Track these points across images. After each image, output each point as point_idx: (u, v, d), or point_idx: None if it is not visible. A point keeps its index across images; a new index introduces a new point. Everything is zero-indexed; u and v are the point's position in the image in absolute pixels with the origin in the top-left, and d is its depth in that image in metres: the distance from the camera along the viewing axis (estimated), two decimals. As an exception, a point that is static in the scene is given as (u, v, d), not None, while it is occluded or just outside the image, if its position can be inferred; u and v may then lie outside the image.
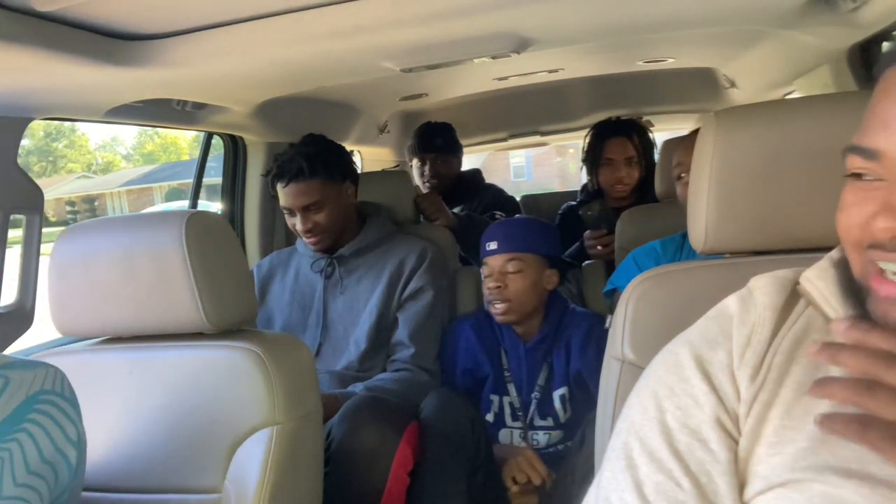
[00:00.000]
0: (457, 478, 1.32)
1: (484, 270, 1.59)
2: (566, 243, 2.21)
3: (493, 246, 1.55)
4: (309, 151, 1.58)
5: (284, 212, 1.64)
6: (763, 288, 0.61)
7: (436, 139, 2.42)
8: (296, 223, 1.62)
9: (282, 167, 1.59)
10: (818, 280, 0.60)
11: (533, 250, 1.56)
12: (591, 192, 2.31)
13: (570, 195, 2.85)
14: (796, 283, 0.62)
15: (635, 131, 2.19)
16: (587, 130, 2.30)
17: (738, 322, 0.60)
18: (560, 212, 2.43)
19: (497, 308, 1.56)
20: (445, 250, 1.83)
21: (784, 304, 0.60)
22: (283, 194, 1.60)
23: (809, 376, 0.53)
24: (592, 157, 2.23)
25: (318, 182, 1.58)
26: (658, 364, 0.62)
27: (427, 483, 1.31)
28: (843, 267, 0.58)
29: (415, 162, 2.47)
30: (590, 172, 2.28)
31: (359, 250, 1.66)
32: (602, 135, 2.20)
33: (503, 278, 1.55)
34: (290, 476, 0.98)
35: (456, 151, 2.49)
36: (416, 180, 2.47)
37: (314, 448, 1.07)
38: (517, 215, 1.60)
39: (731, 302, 0.63)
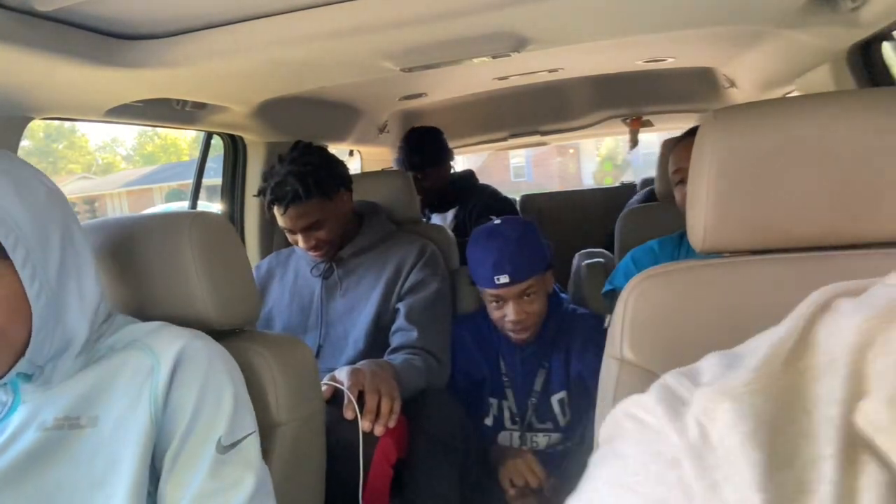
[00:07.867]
0: (447, 477, 1.31)
1: (493, 301, 1.51)
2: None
3: (503, 279, 1.44)
4: (300, 171, 1.51)
5: (284, 230, 1.62)
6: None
7: (413, 157, 2.31)
8: (297, 241, 1.60)
9: (275, 192, 1.52)
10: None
11: (540, 269, 1.49)
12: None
13: (571, 195, 2.83)
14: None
15: None
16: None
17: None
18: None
19: (520, 336, 1.52)
20: (446, 250, 1.83)
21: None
22: (282, 218, 1.56)
23: None
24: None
25: (314, 202, 1.53)
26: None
27: (415, 481, 1.31)
28: None
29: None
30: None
31: (358, 251, 1.66)
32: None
33: (522, 308, 1.48)
34: (292, 477, 0.98)
35: (440, 162, 2.37)
36: None
37: (316, 449, 1.07)
38: (498, 221, 1.51)
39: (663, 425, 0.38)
